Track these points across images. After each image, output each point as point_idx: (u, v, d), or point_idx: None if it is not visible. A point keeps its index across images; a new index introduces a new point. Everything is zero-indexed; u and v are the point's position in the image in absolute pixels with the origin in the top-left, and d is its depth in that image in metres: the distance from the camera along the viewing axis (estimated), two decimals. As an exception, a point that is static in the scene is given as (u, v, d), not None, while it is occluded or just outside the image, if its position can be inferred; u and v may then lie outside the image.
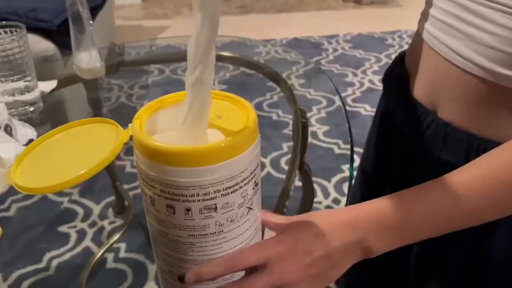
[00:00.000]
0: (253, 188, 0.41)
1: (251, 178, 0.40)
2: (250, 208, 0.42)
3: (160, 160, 0.37)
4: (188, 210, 0.39)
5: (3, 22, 0.87)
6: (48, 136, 0.42)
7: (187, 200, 0.39)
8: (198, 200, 0.39)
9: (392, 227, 0.42)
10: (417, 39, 0.55)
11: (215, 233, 0.41)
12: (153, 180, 0.39)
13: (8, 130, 0.79)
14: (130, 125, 0.40)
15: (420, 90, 0.53)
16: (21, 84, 0.89)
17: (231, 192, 0.39)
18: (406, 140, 0.55)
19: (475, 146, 0.47)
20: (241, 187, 0.39)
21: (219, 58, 1.42)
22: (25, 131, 0.82)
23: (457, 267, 0.55)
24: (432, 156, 0.51)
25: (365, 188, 0.73)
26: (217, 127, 0.41)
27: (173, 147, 0.37)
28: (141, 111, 0.41)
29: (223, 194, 0.39)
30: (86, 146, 0.41)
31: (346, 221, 0.43)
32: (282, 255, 0.41)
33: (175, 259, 0.43)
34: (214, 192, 0.38)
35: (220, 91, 0.44)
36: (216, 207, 0.39)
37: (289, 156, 1.22)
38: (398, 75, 0.59)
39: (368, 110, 2.23)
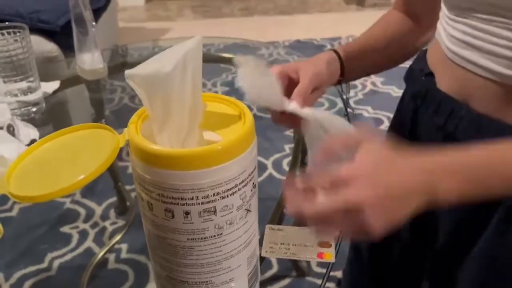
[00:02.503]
0: (251, 190, 0.41)
1: (250, 180, 0.40)
2: (248, 210, 0.42)
3: (159, 164, 0.38)
4: (187, 213, 0.39)
5: (6, 23, 0.87)
6: (42, 143, 0.42)
7: (186, 203, 0.39)
8: (198, 203, 0.39)
9: (462, 170, 0.41)
10: (437, 47, 0.58)
11: (215, 236, 0.41)
12: (151, 184, 0.39)
13: (10, 130, 0.79)
14: (125, 129, 0.40)
15: (447, 87, 0.56)
16: (23, 84, 0.89)
17: (230, 195, 0.39)
18: (438, 133, 0.57)
19: (510, 135, 0.48)
20: (239, 189, 0.40)
21: (223, 60, 1.42)
22: (28, 131, 0.82)
23: (471, 276, 0.55)
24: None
25: None
26: (214, 130, 0.41)
27: (172, 151, 0.38)
28: (136, 116, 0.41)
29: (222, 197, 0.39)
30: (82, 152, 0.41)
31: (419, 164, 0.42)
32: (362, 180, 0.39)
33: (174, 264, 0.43)
34: (213, 194, 0.39)
35: (217, 94, 0.45)
36: (215, 210, 0.39)
37: (291, 157, 1.22)
38: (423, 71, 0.61)
39: (370, 112, 2.23)
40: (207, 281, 0.43)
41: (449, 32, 0.54)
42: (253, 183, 0.42)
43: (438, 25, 0.58)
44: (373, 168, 0.40)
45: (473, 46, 0.51)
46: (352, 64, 0.65)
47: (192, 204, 0.38)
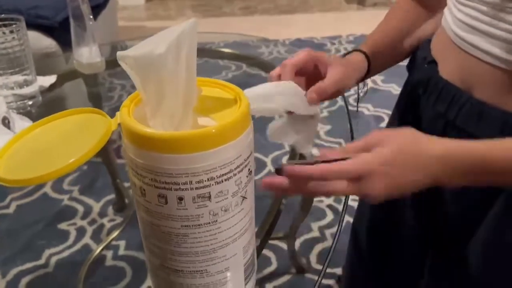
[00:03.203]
0: (247, 176, 0.40)
1: (245, 166, 0.39)
2: (244, 197, 0.41)
3: (151, 147, 0.36)
4: (181, 199, 0.38)
5: (2, 15, 0.86)
6: (33, 127, 0.41)
7: (179, 188, 0.38)
8: (191, 189, 0.38)
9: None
10: (442, 33, 0.57)
11: (209, 223, 0.40)
12: (144, 169, 0.38)
13: (5, 122, 0.78)
14: (117, 113, 0.39)
15: (450, 74, 0.55)
16: (19, 78, 0.89)
17: (225, 180, 0.38)
18: (439, 120, 0.56)
19: (510, 123, 0.48)
20: (235, 175, 0.39)
21: (223, 55, 1.41)
22: (23, 124, 0.81)
23: (475, 261, 0.55)
24: (466, 134, 0.52)
25: None
26: (209, 114, 0.40)
27: (165, 134, 0.37)
28: (129, 100, 0.40)
29: (217, 182, 0.38)
30: (74, 136, 0.40)
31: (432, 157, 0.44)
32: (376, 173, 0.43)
33: (167, 252, 0.42)
34: (208, 179, 0.37)
35: (211, 79, 0.44)
36: (210, 196, 0.38)
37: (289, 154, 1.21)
38: (426, 59, 0.60)
39: (370, 110, 2.22)
40: (202, 270, 0.42)
41: (456, 16, 0.54)
42: (249, 169, 0.40)
43: (445, 10, 0.58)
44: (395, 154, 0.43)
45: (479, 31, 0.50)
46: (376, 63, 0.63)
47: (185, 189, 0.37)
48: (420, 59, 0.62)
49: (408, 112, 0.63)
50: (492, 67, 0.49)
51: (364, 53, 0.62)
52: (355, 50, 0.63)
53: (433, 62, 0.58)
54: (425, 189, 0.60)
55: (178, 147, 0.36)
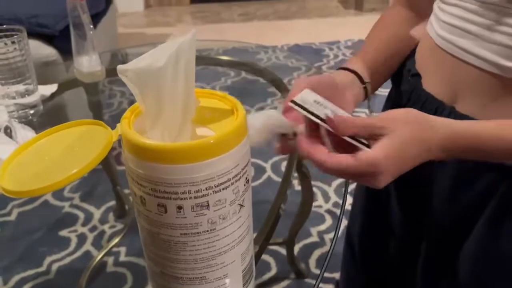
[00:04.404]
0: (244, 185, 0.41)
1: (243, 175, 0.40)
2: (241, 205, 0.42)
3: (151, 158, 0.38)
4: (180, 208, 0.39)
5: (4, 26, 0.87)
6: (37, 139, 0.42)
7: (178, 197, 0.39)
8: (190, 198, 0.39)
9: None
10: (427, 41, 0.57)
11: (208, 231, 0.41)
12: (144, 179, 0.39)
13: (8, 132, 0.79)
14: (118, 125, 0.40)
15: (435, 86, 0.55)
16: (21, 87, 0.90)
17: (223, 189, 0.39)
18: None
19: None
20: (232, 184, 0.40)
21: (226, 63, 1.42)
22: (25, 134, 0.82)
23: (465, 270, 0.55)
24: None
25: (367, 193, 0.73)
26: (207, 124, 0.41)
27: (164, 145, 0.38)
28: (129, 111, 0.42)
29: (215, 191, 0.39)
30: (75, 147, 0.41)
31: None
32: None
33: (167, 260, 0.43)
34: (206, 189, 0.39)
35: (208, 90, 0.45)
36: (208, 204, 0.39)
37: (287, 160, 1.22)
38: (410, 72, 0.60)
39: (369, 115, 2.23)
40: (201, 277, 0.43)
41: (441, 19, 0.53)
42: (246, 178, 0.42)
43: (431, 16, 0.58)
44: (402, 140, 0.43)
45: (471, 34, 0.48)
46: (374, 79, 0.60)
47: (184, 198, 0.39)
48: (404, 71, 0.62)
49: None
50: (483, 72, 0.48)
51: (359, 76, 0.58)
52: (350, 71, 0.59)
53: (417, 75, 0.58)
54: (414, 197, 0.61)
55: (177, 158, 0.37)
